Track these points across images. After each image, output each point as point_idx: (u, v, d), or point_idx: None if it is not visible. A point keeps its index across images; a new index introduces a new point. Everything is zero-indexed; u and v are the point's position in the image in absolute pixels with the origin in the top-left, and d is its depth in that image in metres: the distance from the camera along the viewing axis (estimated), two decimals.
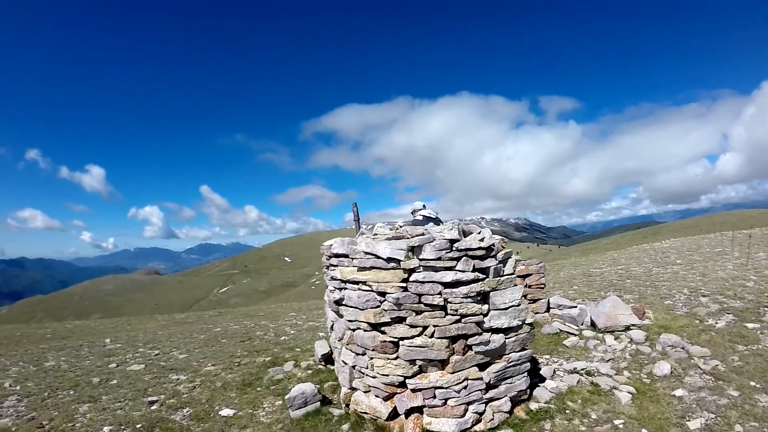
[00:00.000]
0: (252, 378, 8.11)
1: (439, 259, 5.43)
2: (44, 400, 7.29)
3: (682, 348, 7.79)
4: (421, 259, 5.50)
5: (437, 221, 9.04)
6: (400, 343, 5.63)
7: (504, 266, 5.83)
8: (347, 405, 6.42)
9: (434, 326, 5.52)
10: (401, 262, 5.55)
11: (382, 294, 5.76)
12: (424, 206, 9.23)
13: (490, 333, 5.62)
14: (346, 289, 6.28)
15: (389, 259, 5.64)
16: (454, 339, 5.56)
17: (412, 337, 5.58)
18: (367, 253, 5.86)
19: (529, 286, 9.52)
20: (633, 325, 8.60)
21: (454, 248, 5.46)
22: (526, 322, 5.80)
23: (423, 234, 5.57)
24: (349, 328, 6.33)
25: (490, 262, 5.59)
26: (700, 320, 9.12)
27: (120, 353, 10.81)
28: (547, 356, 7.90)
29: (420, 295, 5.54)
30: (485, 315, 5.58)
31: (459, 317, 5.51)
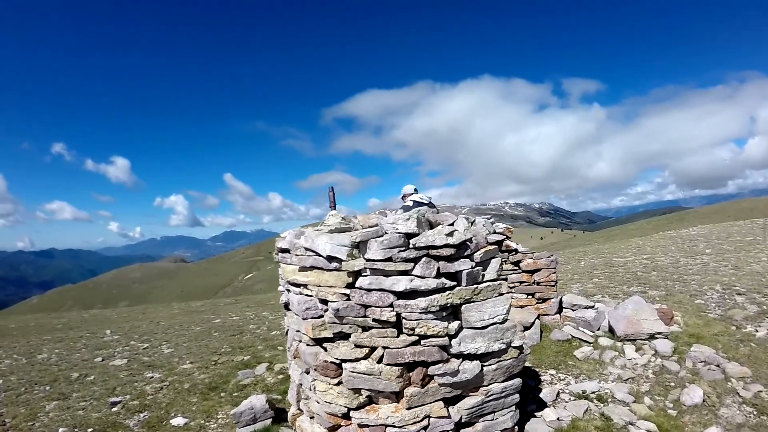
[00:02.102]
0: (220, 381, 6.84)
1: (390, 259, 3.64)
2: (20, 395, 6.74)
3: (717, 366, 5.75)
4: (367, 260, 3.75)
5: (430, 208, 7.22)
6: (344, 365, 3.94)
7: (484, 269, 3.93)
8: (294, 428, 4.84)
9: (383, 348, 3.76)
10: (343, 262, 3.84)
11: (324, 302, 4.07)
12: (415, 190, 7.41)
13: (460, 359, 3.77)
14: (290, 291, 4.65)
15: (330, 258, 3.93)
16: (410, 366, 3.78)
17: (357, 359, 3.85)
18: (307, 249, 4.16)
19: (538, 284, 7.55)
20: (659, 333, 6.55)
21: (410, 245, 3.65)
22: (513, 344, 3.89)
23: (371, 226, 3.82)
24: (295, 339, 4.72)
25: (462, 264, 3.73)
26: (737, 326, 6.98)
27: (112, 346, 9.90)
28: (553, 372, 5.96)
29: (366, 307, 3.78)
30: (453, 336, 3.74)
31: (417, 338, 3.71)
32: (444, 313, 3.68)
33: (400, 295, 3.66)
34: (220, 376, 7.00)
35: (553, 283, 7.51)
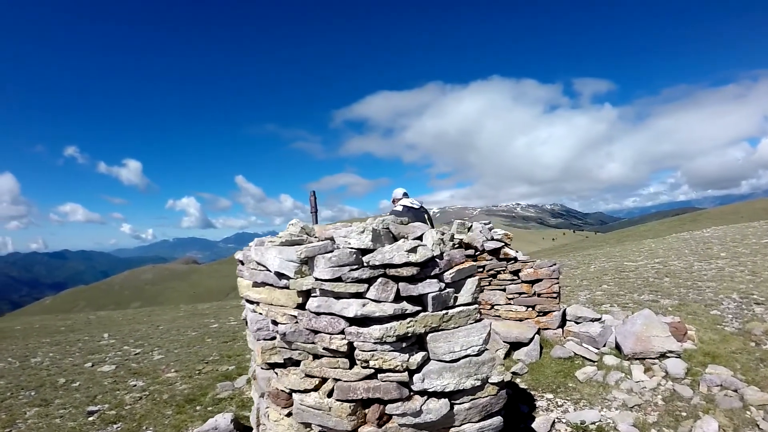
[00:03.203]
0: (199, 393, 6.28)
1: (339, 279, 2.92)
2: (4, 400, 6.38)
3: (735, 391, 4.84)
4: (316, 278, 3.04)
5: (420, 213, 6.45)
6: (294, 396, 3.24)
7: (457, 291, 3.15)
8: None
9: (335, 381, 3.06)
10: (290, 280, 3.14)
11: (276, 323, 3.38)
12: (405, 194, 6.66)
13: (424, 397, 3.01)
14: (246, 307, 3.98)
15: (279, 274, 3.24)
16: (366, 402, 3.05)
17: (306, 391, 3.15)
18: (258, 263, 3.48)
19: (539, 295, 6.66)
20: (670, 351, 5.61)
21: (364, 263, 2.94)
22: (492, 380, 3.12)
23: (327, 239, 3.11)
24: (253, 359, 4.05)
25: (428, 286, 2.96)
26: (757, 342, 6.06)
27: (105, 351, 9.46)
28: (550, 396, 5.09)
29: (315, 332, 3.07)
30: (416, 370, 2.99)
31: (373, 371, 2.99)
32: (404, 344, 2.92)
33: (352, 321, 2.93)
34: (200, 387, 6.41)
35: (555, 295, 6.63)
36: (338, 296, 2.97)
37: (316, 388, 3.14)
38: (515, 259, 6.86)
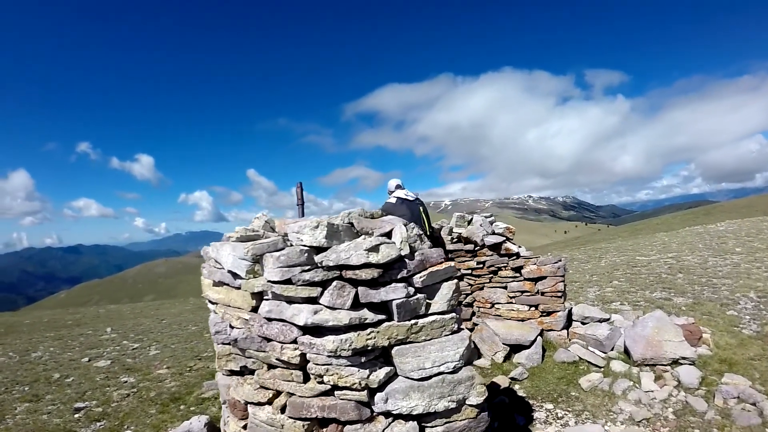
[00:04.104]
0: (185, 392, 5.93)
1: (289, 281, 2.41)
2: None
3: (754, 405, 4.14)
4: (268, 280, 2.52)
5: (415, 206, 5.86)
6: (248, 408, 2.75)
7: (430, 298, 2.57)
8: None
9: (288, 395, 2.55)
10: (242, 281, 2.64)
11: (232, 327, 2.89)
12: (398, 186, 6.08)
13: (389, 419, 2.49)
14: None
15: (234, 274, 2.75)
16: (322, 422, 2.54)
17: (260, 404, 2.66)
18: (216, 261, 2.99)
19: (542, 294, 6.00)
20: (683, 358, 4.93)
21: (317, 263, 2.41)
22: (470, 402, 2.54)
23: (273, 235, 2.59)
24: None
25: (393, 292, 2.42)
26: None
27: (104, 345, 9.19)
28: (550, 406, 4.47)
29: (268, 340, 2.58)
30: (379, 388, 2.46)
31: (330, 387, 2.48)
32: (364, 359, 2.39)
33: (305, 329, 2.41)
34: (187, 385, 6.05)
35: (559, 294, 5.95)
36: (290, 300, 2.46)
37: (270, 402, 2.65)
38: (517, 255, 6.22)
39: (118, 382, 6.42)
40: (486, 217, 6.73)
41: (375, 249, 2.31)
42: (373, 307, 2.43)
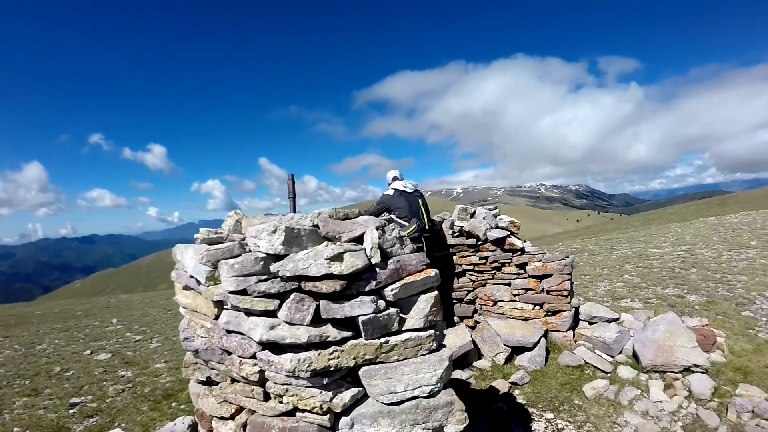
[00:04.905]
0: (179, 388, 5.77)
1: (244, 292, 2.07)
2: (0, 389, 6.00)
3: None
4: (225, 290, 2.17)
5: (413, 198, 5.45)
6: (212, 422, 2.45)
7: (404, 312, 2.19)
8: None
9: (250, 412, 2.23)
10: (204, 287, 2.31)
11: (197, 335, 2.57)
12: (396, 178, 5.66)
13: None
14: None
15: (197, 280, 2.42)
16: None
17: (222, 418, 2.36)
18: (182, 264, 2.66)
19: (548, 292, 5.49)
20: (696, 365, 4.44)
21: (272, 273, 2.05)
22: (448, 430, 2.15)
23: (238, 237, 2.23)
24: None
25: (359, 307, 2.05)
26: None
27: (108, 337, 9.08)
28: (550, 416, 4.05)
29: (228, 353, 2.26)
30: (344, 413, 2.12)
31: (292, 408, 2.14)
32: (326, 380, 2.04)
33: (263, 345, 2.07)
34: (181, 381, 5.88)
35: (566, 293, 5.44)
36: (249, 312, 2.12)
37: (232, 417, 2.34)
38: (522, 251, 5.71)
39: (115, 376, 6.26)
40: (490, 209, 6.23)
41: (338, 258, 1.94)
42: (338, 322, 2.07)
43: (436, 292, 2.20)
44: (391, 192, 5.39)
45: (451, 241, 5.95)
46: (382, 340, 2.09)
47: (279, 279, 2.02)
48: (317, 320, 2.04)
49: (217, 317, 2.40)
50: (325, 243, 2.06)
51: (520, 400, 4.33)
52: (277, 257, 2.06)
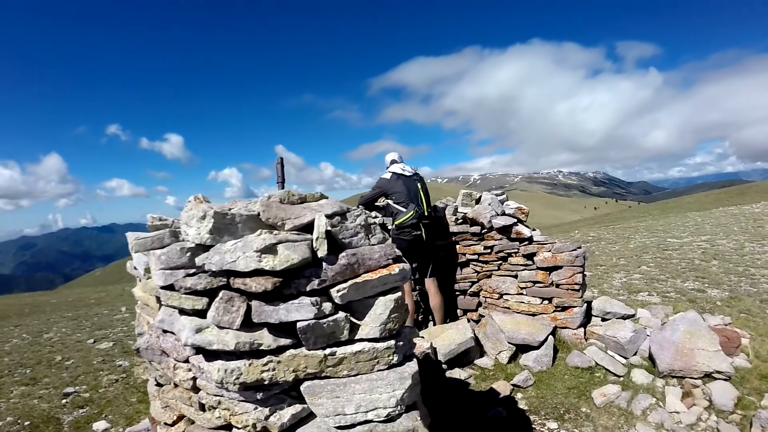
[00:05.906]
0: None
1: (172, 288, 1.68)
2: (1, 378, 5.87)
3: None
4: (157, 284, 1.79)
5: (412, 182, 4.95)
6: (157, 427, 2.11)
7: (358, 318, 1.73)
8: None
9: (189, 421, 1.88)
10: (142, 281, 1.94)
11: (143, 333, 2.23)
12: (395, 160, 5.15)
13: None
14: None
15: (143, 271, 2.05)
16: None
17: (166, 425, 2.03)
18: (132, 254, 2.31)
19: (557, 285, 4.85)
20: (718, 372, 3.82)
21: (198, 267, 1.65)
22: None
23: (165, 225, 1.84)
24: None
25: (298, 310, 1.60)
26: None
27: (114, 326, 8.91)
28: (554, 425, 3.49)
29: (166, 354, 1.90)
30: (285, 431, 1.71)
31: (225, 423, 1.76)
32: (261, 395, 1.64)
33: (196, 349, 1.69)
34: None
35: (577, 287, 4.81)
36: (182, 311, 1.73)
37: (173, 424, 1.99)
38: (530, 240, 5.10)
39: (112, 366, 6.06)
40: (497, 194, 5.63)
41: (270, 250, 1.52)
42: (276, 328, 1.66)
43: (398, 294, 1.75)
44: (388, 176, 4.92)
45: (454, 228, 5.44)
46: (328, 351, 1.67)
47: (206, 274, 1.62)
48: (252, 324, 1.64)
49: None
50: (259, 231, 1.63)
51: (522, 405, 3.79)
52: (207, 248, 1.67)
